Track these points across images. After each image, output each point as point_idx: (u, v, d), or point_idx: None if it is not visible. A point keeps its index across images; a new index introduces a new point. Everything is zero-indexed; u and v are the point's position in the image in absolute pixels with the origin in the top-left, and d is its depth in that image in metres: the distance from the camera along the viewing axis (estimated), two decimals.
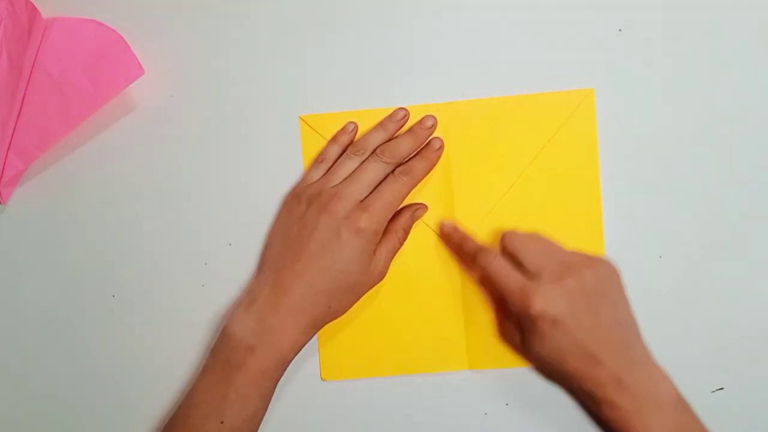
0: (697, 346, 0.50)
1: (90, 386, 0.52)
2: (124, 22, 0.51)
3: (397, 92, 0.51)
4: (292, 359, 0.47)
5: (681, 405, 0.45)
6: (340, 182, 0.48)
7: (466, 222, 0.50)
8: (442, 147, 0.50)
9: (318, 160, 0.51)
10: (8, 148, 0.50)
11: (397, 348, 0.51)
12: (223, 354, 0.46)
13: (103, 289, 0.52)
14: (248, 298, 0.47)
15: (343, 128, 0.51)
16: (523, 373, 0.50)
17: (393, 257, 0.49)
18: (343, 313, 0.48)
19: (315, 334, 0.47)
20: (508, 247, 0.47)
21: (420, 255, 0.51)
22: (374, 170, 0.48)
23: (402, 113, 0.50)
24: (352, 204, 0.47)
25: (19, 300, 0.52)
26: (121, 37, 0.50)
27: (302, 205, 0.48)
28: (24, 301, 0.52)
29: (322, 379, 0.51)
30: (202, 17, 0.52)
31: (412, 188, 0.49)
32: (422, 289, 0.51)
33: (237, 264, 0.51)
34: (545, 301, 0.44)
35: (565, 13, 0.51)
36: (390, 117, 0.50)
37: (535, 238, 0.47)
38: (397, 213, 0.50)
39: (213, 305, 0.51)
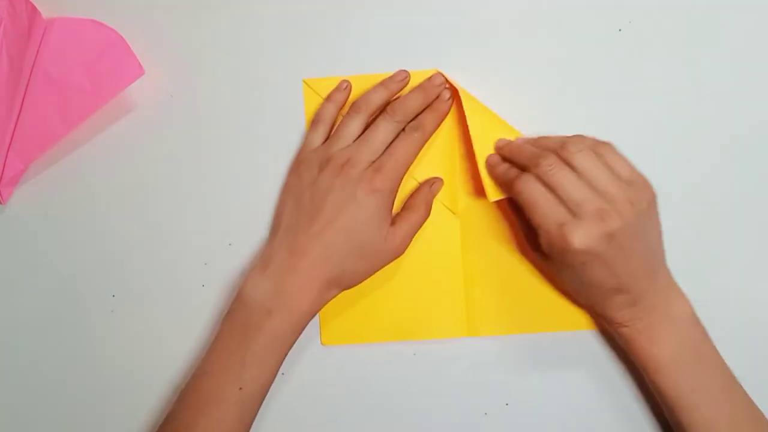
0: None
1: (90, 386, 0.52)
2: (124, 23, 0.51)
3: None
4: (307, 323, 0.46)
5: (692, 323, 0.45)
6: (351, 145, 0.48)
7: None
8: (452, 97, 0.50)
9: (315, 121, 0.50)
10: (8, 148, 0.50)
11: (397, 314, 0.50)
12: (239, 319, 0.46)
13: (103, 289, 0.52)
14: (263, 262, 0.47)
15: (337, 87, 0.51)
16: (523, 371, 0.50)
17: (414, 234, 0.48)
18: (359, 282, 0.47)
19: (331, 298, 0.47)
20: (548, 176, 0.44)
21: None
22: (385, 130, 0.48)
23: (403, 74, 0.50)
24: (365, 166, 0.47)
25: (19, 300, 0.52)
26: (121, 38, 0.50)
27: (313, 170, 0.48)
28: (24, 301, 0.52)
29: (322, 343, 0.51)
30: (202, 17, 0.52)
31: (424, 143, 0.49)
32: (423, 256, 0.50)
33: (237, 264, 0.51)
34: (584, 240, 0.43)
35: (565, 13, 0.51)
36: (391, 78, 0.50)
37: (573, 173, 0.44)
38: (416, 190, 0.50)
39: (213, 305, 0.51)
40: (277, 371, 0.46)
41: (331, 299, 0.47)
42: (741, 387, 0.45)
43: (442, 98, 0.49)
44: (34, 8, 0.50)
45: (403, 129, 0.48)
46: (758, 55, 0.51)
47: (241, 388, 0.45)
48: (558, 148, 0.45)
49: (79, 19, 0.50)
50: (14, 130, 0.50)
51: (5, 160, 0.50)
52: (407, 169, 0.48)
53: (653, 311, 0.45)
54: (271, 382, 0.46)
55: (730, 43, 0.51)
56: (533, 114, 0.50)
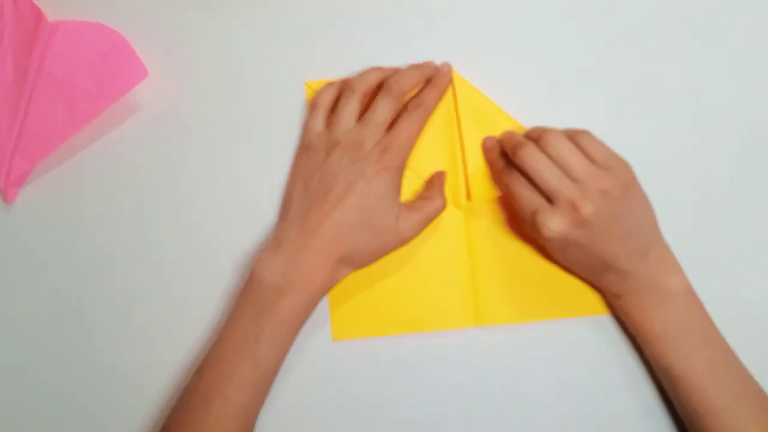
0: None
1: (91, 386, 0.52)
2: (129, 25, 0.51)
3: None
4: (319, 300, 0.47)
5: (688, 297, 0.46)
6: (356, 126, 0.48)
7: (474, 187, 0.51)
8: (450, 71, 0.50)
9: (314, 105, 0.50)
10: (14, 150, 0.50)
11: (405, 306, 0.51)
12: (252, 298, 0.46)
13: (106, 288, 0.52)
14: (274, 242, 0.47)
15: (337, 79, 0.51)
16: (524, 371, 0.51)
17: (427, 223, 0.49)
18: (370, 261, 0.48)
19: (343, 277, 0.47)
20: (524, 164, 0.46)
21: None
22: (385, 109, 0.48)
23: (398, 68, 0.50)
24: (371, 146, 0.47)
25: (22, 299, 0.53)
26: (126, 40, 0.50)
27: (320, 154, 0.48)
28: (29, 300, 0.53)
29: (333, 338, 0.51)
30: (206, 20, 0.53)
31: (427, 118, 0.49)
32: (429, 247, 0.51)
33: (237, 264, 0.52)
34: (555, 228, 0.44)
35: (565, 14, 0.51)
36: (388, 67, 0.51)
37: (549, 160, 0.45)
38: (429, 181, 0.51)
39: (213, 305, 0.52)
40: (290, 345, 0.47)
41: (343, 278, 0.47)
42: (738, 360, 0.46)
43: (441, 72, 0.50)
44: (39, 11, 0.50)
45: (406, 107, 0.49)
46: (758, 55, 0.51)
47: (255, 367, 0.45)
48: (536, 138, 0.46)
49: (83, 22, 0.50)
50: (20, 131, 0.50)
51: (11, 161, 0.51)
52: (413, 146, 0.48)
53: (644, 286, 0.46)
54: (283, 358, 0.47)
55: (730, 43, 0.51)
56: (533, 114, 0.50)
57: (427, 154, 0.51)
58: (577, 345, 0.50)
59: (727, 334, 0.47)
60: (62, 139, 0.50)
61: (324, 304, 0.51)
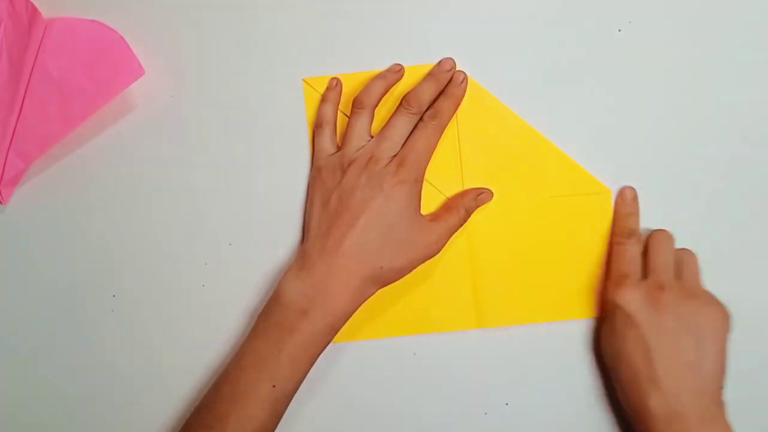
0: None
1: (91, 386, 0.52)
2: (125, 23, 0.51)
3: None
4: (344, 322, 0.46)
5: None
6: (370, 142, 0.48)
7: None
8: (465, 80, 0.49)
9: (318, 125, 0.50)
10: (9, 148, 0.50)
11: (407, 308, 0.50)
12: (274, 318, 0.46)
13: (103, 289, 0.52)
14: (298, 263, 0.46)
15: (327, 87, 0.51)
16: (524, 365, 0.50)
17: (452, 234, 0.48)
18: (398, 278, 0.47)
19: (369, 296, 0.46)
20: (653, 237, 0.48)
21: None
22: (403, 124, 0.48)
23: (399, 66, 0.50)
24: (387, 161, 0.47)
25: (19, 300, 0.52)
26: (122, 37, 0.50)
27: (337, 174, 0.48)
28: (24, 301, 0.52)
29: (333, 341, 0.51)
30: (203, 17, 0.52)
31: (443, 130, 0.49)
32: None
33: (237, 264, 0.51)
34: (634, 298, 0.45)
35: (566, 13, 0.51)
36: (387, 70, 0.50)
37: (674, 251, 0.48)
38: (462, 193, 0.50)
39: (213, 305, 0.51)
40: (309, 370, 0.46)
41: (369, 297, 0.47)
42: None
43: (455, 82, 0.49)
44: (34, 8, 0.50)
45: (421, 119, 0.48)
46: (758, 54, 0.51)
47: (274, 386, 0.45)
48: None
49: (79, 19, 0.50)
50: (14, 130, 0.50)
51: (6, 160, 0.50)
52: (430, 158, 0.48)
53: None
54: (303, 379, 0.46)
55: (731, 42, 0.51)
56: (533, 114, 0.50)
57: (433, 157, 0.50)
58: (578, 346, 0.50)
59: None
60: (58, 137, 0.50)
61: None
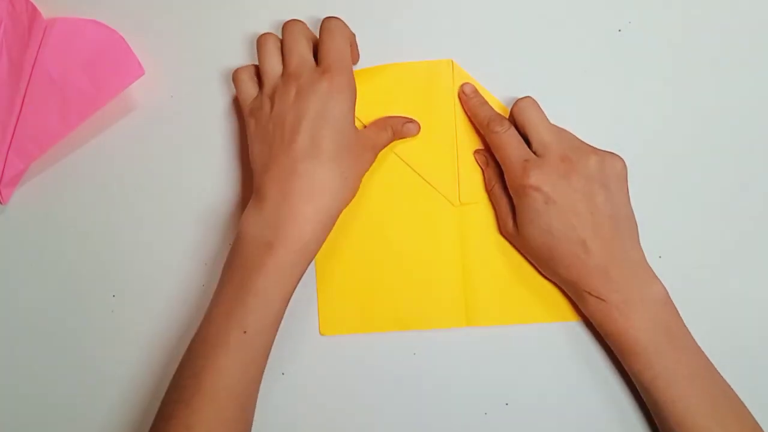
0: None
1: (90, 386, 0.52)
2: (125, 23, 0.51)
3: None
4: (314, 251, 0.44)
5: (668, 307, 0.46)
6: (281, 66, 0.47)
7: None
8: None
9: (234, 79, 0.49)
10: (8, 149, 0.50)
11: (396, 303, 0.50)
12: (238, 259, 0.44)
13: (103, 289, 0.52)
14: (255, 199, 0.45)
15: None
16: (523, 365, 0.50)
17: (378, 152, 0.49)
18: (354, 187, 0.46)
19: (334, 221, 0.45)
20: (518, 119, 0.48)
21: (419, 212, 0.51)
22: (298, 38, 0.46)
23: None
24: (309, 72, 0.45)
25: (19, 300, 0.52)
26: (122, 38, 0.50)
27: (266, 107, 0.46)
28: (24, 301, 0.52)
29: (320, 333, 0.51)
30: (203, 17, 0.52)
31: (347, 26, 0.47)
32: (422, 245, 0.51)
33: None
34: (544, 176, 0.45)
35: (566, 13, 0.51)
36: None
37: (546, 119, 0.48)
38: (391, 116, 0.50)
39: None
40: (285, 307, 0.44)
41: (335, 219, 0.45)
42: (716, 371, 0.45)
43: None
44: (34, 8, 0.50)
45: (321, 26, 0.47)
46: (759, 55, 0.51)
47: (245, 332, 0.42)
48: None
49: (79, 19, 0.50)
50: (14, 130, 0.50)
51: (5, 160, 0.50)
52: (348, 48, 0.47)
53: (629, 288, 0.45)
54: (278, 322, 0.44)
55: (731, 42, 0.51)
56: None
57: (427, 152, 0.51)
58: (579, 346, 0.50)
59: (727, 335, 0.47)
60: (57, 137, 0.50)
61: (312, 298, 0.51)
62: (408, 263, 0.51)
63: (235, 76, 0.49)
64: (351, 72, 0.46)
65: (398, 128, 0.50)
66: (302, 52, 0.47)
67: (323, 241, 0.45)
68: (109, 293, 0.52)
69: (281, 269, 0.43)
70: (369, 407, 0.51)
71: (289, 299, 0.45)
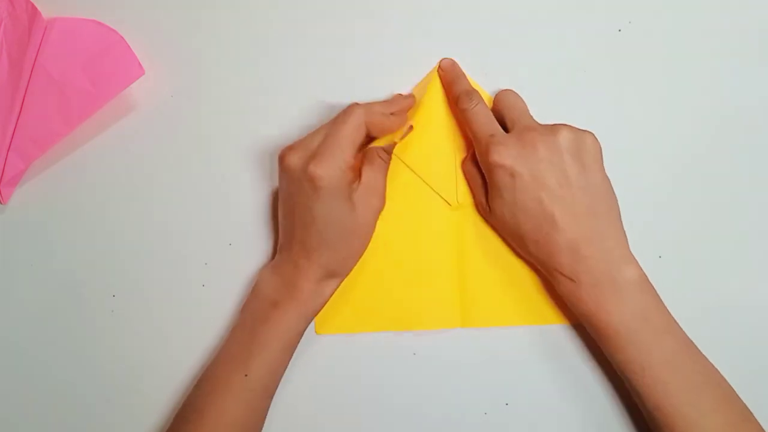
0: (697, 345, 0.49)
1: (90, 386, 0.52)
2: (125, 23, 0.51)
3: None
4: (314, 312, 0.47)
5: (644, 287, 0.44)
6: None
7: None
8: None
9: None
10: (9, 148, 0.50)
11: (392, 304, 0.50)
12: (249, 310, 0.48)
13: (103, 289, 0.52)
14: (274, 260, 0.48)
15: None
16: (523, 365, 0.50)
17: (377, 216, 0.47)
18: (348, 268, 0.47)
19: (330, 290, 0.47)
20: (497, 105, 0.48)
21: (416, 212, 0.51)
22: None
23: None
24: (300, 159, 0.45)
25: (19, 300, 0.52)
26: (122, 38, 0.50)
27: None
28: (24, 301, 0.52)
29: (316, 332, 0.51)
30: (203, 17, 0.52)
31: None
32: (417, 246, 0.51)
33: (237, 264, 0.51)
34: (507, 150, 0.44)
35: (566, 13, 0.51)
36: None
37: (525, 107, 0.48)
38: (368, 148, 0.48)
39: (213, 305, 0.51)
40: (287, 361, 0.47)
41: (332, 291, 0.47)
42: (700, 355, 0.44)
43: None
44: (34, 8, 0.50)
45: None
46: (759, 55, 0.51)
47: (246, 375, 0.45)
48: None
49: (79, 19, 0.50)
50: (15, 129, 0.50)
51: (6, 160, 0.50)
52: (350, 143, 0.44)
53: (600, 269, 0.44)
54: (282, 370, 0.47)
55: (731, 42, 0.51)
56: (532, 114, 0.50)
57: (425, 153, 0.51)
58: (579, 347, 0.50)
59: (727, 335, 0.46)
60: (57, 137, 0.50)
61: None
62: (404, 263, 0.51)
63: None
64: (340, 158, 0.44)
65: (379, 133, 0.46)
66: (304, 143, 0.46)
67: (324, 302, 0.47)
68: (109, 293, 0.52)
69: (282, 323, 0.46)
70: (368, 407, 0.51)
71: (292, 350, 0.47)
